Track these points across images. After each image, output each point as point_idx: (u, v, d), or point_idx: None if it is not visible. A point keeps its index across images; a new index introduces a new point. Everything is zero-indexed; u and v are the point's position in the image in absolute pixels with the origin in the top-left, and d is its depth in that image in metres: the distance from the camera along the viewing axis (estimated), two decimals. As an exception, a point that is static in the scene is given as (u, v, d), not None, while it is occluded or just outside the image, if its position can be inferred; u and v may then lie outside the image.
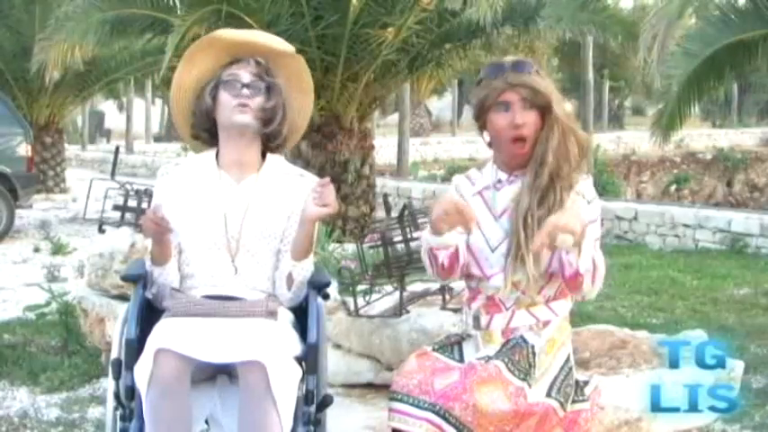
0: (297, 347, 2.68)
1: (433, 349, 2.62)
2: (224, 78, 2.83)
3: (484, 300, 2.62)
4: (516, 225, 2.54)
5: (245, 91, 2.80)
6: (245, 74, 2.82)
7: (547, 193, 2.54)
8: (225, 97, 2.81)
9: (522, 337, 2.57)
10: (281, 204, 2.85)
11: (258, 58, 2.87)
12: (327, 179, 2.72)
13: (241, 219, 2.81)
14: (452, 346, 2.64)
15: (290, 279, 2.80)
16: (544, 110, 2.57)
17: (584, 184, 2.61)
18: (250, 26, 7.63)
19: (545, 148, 2.56)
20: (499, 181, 2.65)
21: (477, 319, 2.64)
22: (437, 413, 2.40)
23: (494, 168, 2.68)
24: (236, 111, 2.79)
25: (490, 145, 2.68)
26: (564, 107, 2.62)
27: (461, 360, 2.58)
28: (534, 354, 2.53)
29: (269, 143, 2.92)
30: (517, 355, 2.51)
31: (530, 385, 2.46)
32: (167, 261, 2.78)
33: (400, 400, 2.46)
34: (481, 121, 2.64)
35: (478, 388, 2.39)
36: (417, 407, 2.43)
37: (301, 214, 2.75)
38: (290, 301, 2.84)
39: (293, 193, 2.86)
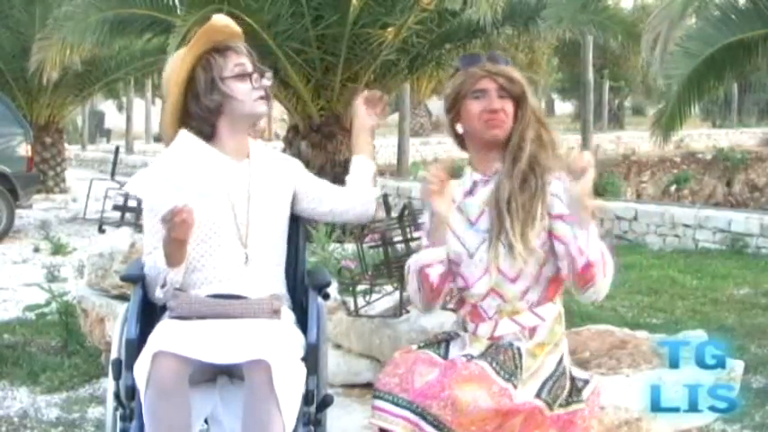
0: (301, 347, 2.68)
1: (419, 347, 2.61)
2: (235, 71, 2.80)
3: (469, 308, 2.63)
4: (499, 210, 2.52)
5: (266, 81, 2.85)
6: (248, 63, 2.84)
7: (527, 179, 2.54)
8: (242, 88, 2.80)
9: (509, 342, 2.56)
10: (280, 188, 2.88)
11: (243, 44, 2.88)
12: (376, 93, 3.04)
13: (246, 204, 2.81)
14: (439, 343, 2.64)
15: (374, 176, 3.00)
16: (518, 101, 2.59)
17: (560, 186, 2.55)
18: (250, 26, 7.63)
19: (522, 137, 2.56)
20: (474, 184, 2.64)
21: (464, 324, 2.65)
22: (414, 411, 2.39)
23: (468, 172, 2.68)
24: (258, 102, 2.83)
25: (462, 142, 2.68)
26: (536, 101, 2.65)
27: (446, 357, 2.57)
28: (520, 356, 2.51)
29: None
30: (502, 355, 2.50)
31: (515, 386, 2.44)
32: (184, 260, 2.72)
33: (381, 398, 2.46)
34: (454, 112, 2.64)
35: (459, 386, 2.37)
36: (396, 405, 2.43)
37: (358, 122, 3.02)
38: (373, 202, 2.98)
39: (287, 175, 2.93)
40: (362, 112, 3.00)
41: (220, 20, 2.85)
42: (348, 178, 2.99)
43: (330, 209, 2.95)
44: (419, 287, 2.63)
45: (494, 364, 2.46)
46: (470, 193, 2.65)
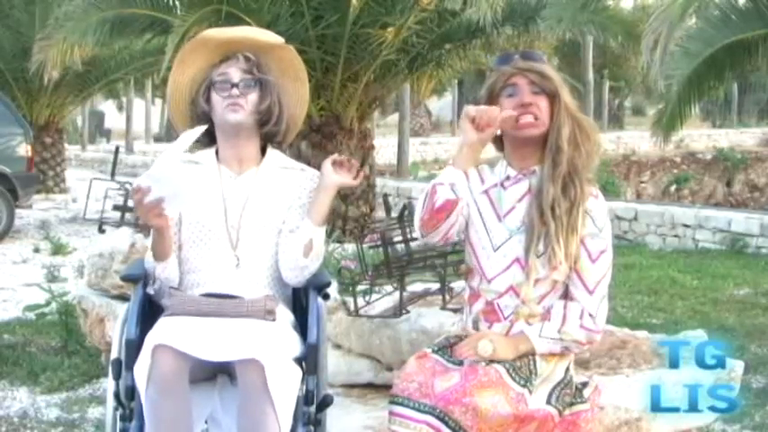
0: (296, 348, 2.68)
1: (433, 351, 2.60)
2: (215, 79, 2.84)
3: (483, 305, 2.60)
4: (543, 215, 2.49)
5: (235, 91, 2.81)
6: (234, 72, 2.84)
7: (567, 185, 2.51)
8: (216, 98, 2.83)
9: None
10: (280, 196, 2.87)
11: (247, 53, 2.87)
12: (344, 158, 2.85)
13: (241, 209, 2.83)
14: (452, 347, 2.63)
15: (309, 246, 2.80)
16: (552, 98, 2.54)
17: (596, 204, 2.55)
18: (249, 26, 7.62)
19: (558, 136, 2.52)
20: (507, 178, 2.61)
21: (476, 323, 2.63)
22: (436, 416, 2.39)
23: (503, 165, 2.64)
24: (228, 110, 2.81)
25: (500, 141, 2.65)
26: (571, 97, 2.59)
27: (461, 362, 2.57)
28: (535, 361, 2.51)
29: (268, 140, 2.93)
30: (518, 361, 2.50)
31: (530, 392, 2.44)
32: (169, 255, 2.77)
33: (401, 404, 2.45)
34: None
35: (479, 392, 2.38)
36: (417, 410, 2.42)
37: (322, 180, 2.82)
38: (302, 271, 2.81)
39: (293, 185, 2.89)
40: (328, 170, 2.82)
41: (216, 34, 2.93)
42: (292, 241, 2.83)
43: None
44: (424, 202, 2.56)
45: (510, 370, 2.46)
46: (502, 185, 2.61)
